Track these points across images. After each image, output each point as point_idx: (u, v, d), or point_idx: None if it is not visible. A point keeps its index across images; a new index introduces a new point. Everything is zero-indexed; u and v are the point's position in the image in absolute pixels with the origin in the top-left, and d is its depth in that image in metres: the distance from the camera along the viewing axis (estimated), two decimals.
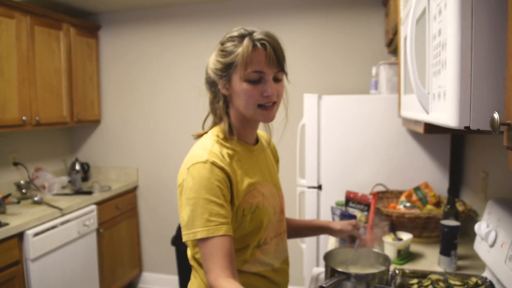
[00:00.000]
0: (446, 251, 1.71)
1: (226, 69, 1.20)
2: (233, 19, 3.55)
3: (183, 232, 1.16)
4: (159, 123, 3.87)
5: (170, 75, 3.78)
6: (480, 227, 1.52)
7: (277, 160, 1.54)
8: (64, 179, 3.47)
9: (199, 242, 1.13)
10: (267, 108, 1.19)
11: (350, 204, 2.14)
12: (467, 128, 0.75)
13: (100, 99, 3.97)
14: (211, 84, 1.27)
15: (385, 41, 3.14)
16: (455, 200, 1.77)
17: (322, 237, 2.63)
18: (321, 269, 1.74)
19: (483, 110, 0.73)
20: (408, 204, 2.20)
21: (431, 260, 1.85)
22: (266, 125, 1.37)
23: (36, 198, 2.95)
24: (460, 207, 1.99)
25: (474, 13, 0.72)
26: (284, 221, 1.43)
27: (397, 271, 1.58)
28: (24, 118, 2.95)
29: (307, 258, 2.68)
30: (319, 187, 2.63)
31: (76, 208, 3.02)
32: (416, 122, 1.58)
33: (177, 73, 3.75)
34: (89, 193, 3.30)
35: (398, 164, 2.50)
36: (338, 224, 1.60)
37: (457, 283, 1.48)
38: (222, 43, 1.22)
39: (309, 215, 2.63)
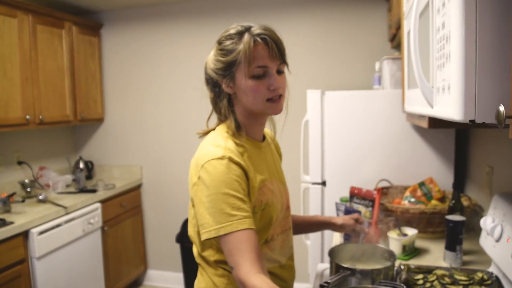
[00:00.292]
0: (451, 246, 1.70)
1: (229, 68, 1.19)
2: (236, 15, 3.54)
3: (202, 231, 1.13)
4: (163, 120, 3.87)
5: (173, 73, 3.78)
6: (486, 222, 1.51)
7: (280, 156, 1.54)
8: (68, 177, 3.47)
9: (222, 238, 1.10)
10: (275, 101, 1.19)
11: (355, 200, 2.14)
12: (472, 121, 0.74)
13: (103, 97, 3.98)
14: (213, 84, 1.26)
15: (388, 36, 3.13)
16: (460, 195, 1.76)
17: (327, 233, 2.63)
18: (326, 265, 1.74)
19: (488, 103, 0.72)
20: (412, 200, 2.19)
21: (437, 256, 1.84)
22: (272, 122, 1.37)
23: (40, 197, 2.96)
24: (465, 202, 1.98)
25: (478, 5, 0.71)
26: (290, 218, 1.43)
27: (402, 267, 1.57)
28: (27, 117, 2.96)
29: (312, 254, 2.68)
30: (323, 183, 2.62)
31: (80, 207, 3.03)
32: (420, 117, 1.57)
33: (180, 70, 3.75)
34: (93, 191, 3.31)
35: (402, 160, 2.49)
36: (340, 219, 1.60)
37: (463, 278, 1.47)
38: (220, 42, 1.21)
39: (313, 212, 2.62)
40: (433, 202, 2.16)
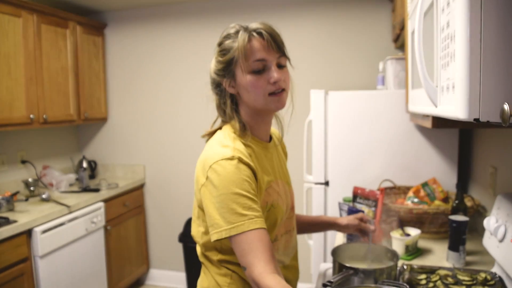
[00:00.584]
0: (454, 246, 1.70)
1: (228, 67, 1.20)
2: (240, 15, 3.54)
3: (213, 231, 1.10)
4: (166, 120, 3.88)
5: (177, 73, 3.79)
6: (489, 222, 1.51)
7: (285, 154, 1.53)
8: (72, 176, 3.48)
9: (234, 238, 1.08)
10: (277, 94, 1.18)
11: (358, 200, 2.14)
12: (477, 120, 0.74)
13: (107, 97, 3.99)
14: (216, 86, 1.26)
15: (392, 37, 3.13)
16: (463, 195, 1.76)
17: (330, 233, 2.63)
18: (329, 264, 1.74)
19: (493, 102, 0.72)
20: (416, 200, 2.18)
21: (440, 256, 1.84)
22: (279, 122, 1.36)
23: (44, 196, 2.97)
24: (468, 203, 1.98)
25: (483, 4, 0.71)
26: (294, 218, 1.42)
27: (405, 267, 1.57)
28: (31, 116, 2.97)
29: (314, 254, 2.68)
30: (326, 183, 2.62)
31: (83, 206, 3.04)
32: (424, 117, 1.57)
33: (184, 70, 3.75)
34: (97, 190, 3.31)
35: (405, 160, 2.49)
36: (345, 219, 1.59)
37: (466, 278, 1.47)
38: (220, 43, 1.22)
39: (316, 212, 2.62)
40: (436, 202, 2.16)
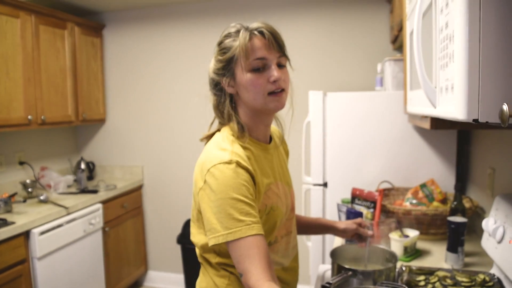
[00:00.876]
0: (453, 247, 1.70)
1: (228, 65, 1.19)
2: (238, 16, 3.54)
3: (210, 236, 1.10)
4: (164, 121, 3.87)
5: (175, 74, 3.79)
6: (488, 223, 1.51)
7: (287, 153, 1.52)
8: (70, 178, 3.48)
9: (231, 244, 1.07)
10: (276, 94, 1.17)
11: (356, 201, 2.14)
12: (476, 120, 0.74)
13: (105, 98, 3.98)
14: (215, 86, 1.26)
15: (390, 38, 3.13)
16: (462, 197, 1.76)
17: (328, 234, 2.63)
18: (328, 266, 1.73)
19: (492, 103, 0.72)
20: (414, 201, 2.18)
21: (438, 257, 1.84)
22: (279, 123, 1.35)
23: (42, 197, 2.96)
24: (467, 204, 1.98)
25: (482, 5, 0.71)
26: (294, 219, 1.41)
27: (404, 268, 1.57)
28: (29, 117, 2.96)
29: (313, 256, 2.68)
30: (325, 185, 2.62)
31: (81, 207, 3.03)
32: (423, 118, 1.57)
33: (182, 71, 3.75)
34: (95, 191, 3.31)
35: (404, 161, 2.49)
36: (343, 223, 1.57)
37: (465, 279, 1.47)
38: (220, 43, 1.22)
39: (314, 213, 2.62)
40: (435, 203, 2.16)
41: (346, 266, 1.38)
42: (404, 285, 1.28)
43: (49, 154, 3.72)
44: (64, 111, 3.39)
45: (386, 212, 2.08)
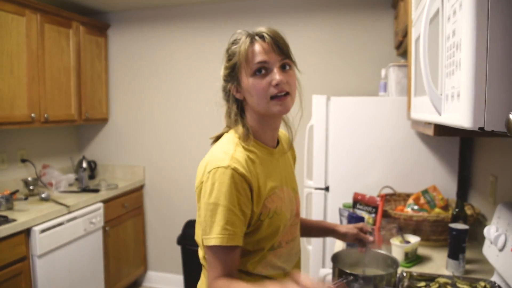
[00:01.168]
0: (454, 254, 1.70)
1: (233, 71, 1.20)
2: (242, 19, 3.55)
3: (203, 236, 1.15)
4: (167, 122, 3.88)
5: (178, 75, 3.79)
6: (490, 231, 1.51)
7: (294, 158, 1.52)
8: (71, 176, 3.48)
9: (211, 247, 1.13)
10: (280, 98, 1.16)
11: (358, 206, 2.14)
12: (481, 129, 0.74)
13: (108, 97, 3.99)
14: (225, 93, 1.27)
15: (394, 43, 3.13)
16: (463, 204, 1.76)
17: (329, 238, 2.63)
18: (328, 270, 1.73)
19: (498, 111, 0.72)
20: (416, 207, 2.18)
21: (439, 264, 1.84)
22: (288, 127, 1.35)
23: (43, 195, 2.96)
24: (468, 211, 1.98)
25: (490, 14, 0.71)
26: (299, 225, 1.40)
27: (404, 274, 1.57)
28: (32, 115, 2.97)
29: (313, 259, 2.68)
30: (327, 189, 2.62)
31: (82, 206, 3.03)
32: (426, 124, 1.57)
33: (185, 72, 3.76)
34: (96, 191, 3.31)
35: (406, 167, 2.49)
36: (344, 227, 1.57)
37: (465, 286, 1.47)
38: (227, 50, 1.23)
39: (316, 217, 2.62)
40: (436, 210, 2.16)
41: (347, 271, 1.38)
42: None
43: (51, 152, 3.73)
44: (67, 109, 3.39)
45: (387, 217, 2.09)
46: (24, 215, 2.60)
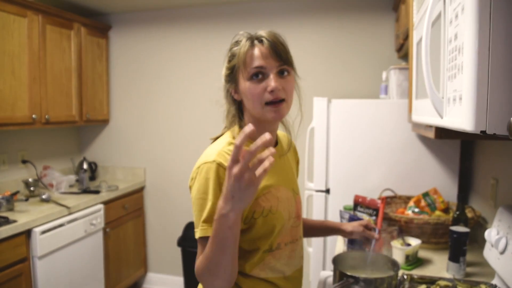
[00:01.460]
0: (455, 257, 1.70)
1: (232, 73, 1.21)
2: (243, 22, 3.56)
3: (195, 228, 1.17)
4: (167, 124, 3.88)
5: (179, 77, 3.79)
6: (490, 234, 1.51)
7: (297, 161, 1.52)
8: (72, 177, 3.48)
9: (199, 239, 1.13)
10: (275, 104, 1.16)
11: (359, 208, 2.14)
12: (483, 132, 0.75)
13: (109, 99, 3.99)
14: (226, 93, 1.27)
15: (395, 46, 3.14)
16: (464, 206, 1.76)
17: (329, 240, 2.63)
18: (329, 272, 1.73)
19: (500, 115, 0.72)
20: (416, 210, 2.19)
21: (440, 266, 1.84)
22: (287, 129, 1.35)
23: (44, 196, 2.96)
24: (469, 214, 1.98)
25: (492, 17, 0.71)
26: (300, 227, 1.39)
27: (405, 276, 1.57)
28: (34, 116, 2.98)
29: (313, 262, 2.68)
30: (327, 191, 2.62)
31: (83, 207, 3.03)
32: (427, 127, 1.57)
33: (186, 74, 3.76)
34: (97, 192, 3.31)
35: (407, 169, 2.49)
36: (349, 226, 1.59)
37: None
38: (229, 50, 1.23)
39: (316, 218, 2.62)
40: (437, 212, 2.16)
41: (348, 273, 1.38)
42: None
43: (52, 153, 3.73)
44: (68, 111, 3.40)
45: (388, 220, 2.09)
46: (24, 216, 2.60)
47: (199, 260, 1.09)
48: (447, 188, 2.44)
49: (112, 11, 3.84)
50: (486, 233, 1.54)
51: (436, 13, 1.06)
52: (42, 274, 2.63)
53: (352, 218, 1.94)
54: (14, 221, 2.47)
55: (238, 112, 1.27)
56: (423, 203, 2.22)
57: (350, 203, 2.38)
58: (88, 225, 3.06)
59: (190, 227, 3.61)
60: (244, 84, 1.17)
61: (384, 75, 2.85)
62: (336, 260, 1.51)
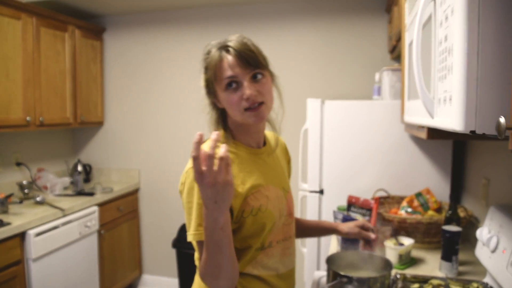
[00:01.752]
0: (447, 256, 1.72)
1: (209, 84, 1.23)
2: (237, 23, 3.57)
3: (187, 232, 1.18)
4: (162, 125, 3.88)
5: (174, 79, 3.80)
6: (482, 233, 1.53)
7: (288, 160, 1.53)
8: (66, 180, 3.48)
9: (197, 242, 1.16)
10: (253, 109, 1.18)
11: (352, 208, 2.15)
12: (473, 132, 0.76)
13: (104, 101, 3.99)
14: (208, 101, 1.29)
15: (388, 48, 3.16)
16: (456, 206, 1.78)
17: (323, 241, 2.64)
18: (323, 272, 1.74)
19: (489, 115, 0.74)
20: (409, 210, 2.20)
21: (432, 266, 1.85)
22: (269, 123, 1.36)
23: (38, 198, 2.96)
24: (461, 213, 2.00)
25: (481, 19, 0.73)
26: (293, 225, 1.41)
27: (398, 276, 1.59)
28: (28, 118, 2.97)
29: (308, 262, 2.69)
30: (321, 192, 2.63)
31: (78, 209, 3.03)
32: (419, 127, 1.59)
33: (181, 76, 3.77)
34: (91, 194, 3.31)
35: (400, 170, 2.51)
36: (345, 226, 1.61)
37: None
38: (203, 60, 1.25)
39: (312, 219, 2.63)
40: (430, 212, 2.18)
41: (342, 273, 1.39)
42: None
43: (46, 155, 3.72)
44: (63, 113, 3.39)
45: (381, 220, 2.10)
46: (19, 218, 2.59)
47: (201, 265, 1.12)
48: (439, 188, 2.47)
49: (107, 13, 3.84)
50: (478, 232, 1.56)
51: (427, 15, 1.08)
52: (37, 276, 2.62)
53: (346, 219, 1.95)
54: (8, 224, 2.46)
55: (222, 118, 1.29)
56: (416, 203, 2.24)
57: (344, 203, 2.39)
58: (83, 227, 3.05)
59: (184, 229, 3.61)
60: (221, 95, 1.20)
61: (377, 76, 2.87)
62: (330, 260, 1.52)
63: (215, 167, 0.94)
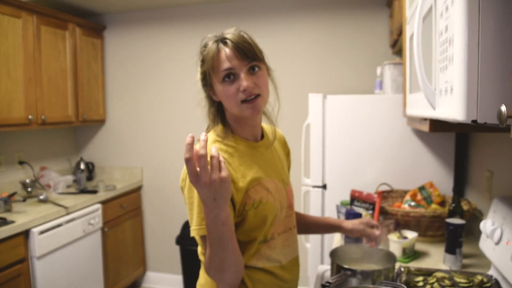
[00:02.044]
0: (451, 249, 1.71)
1: (206, 77, 1.24)
2: (238, 19, 3.56)
3: (190, 228, 1.19)
4: (164, 123, 3.89)
5: (175, 76, 3.80)
6: (486, 225, 1.53)
7: (287, 153, 1.54)
8: (69, 178, 3.49)
9: (202, 237, 1.17)
10: (250, 101, 1.18)
11: (355, 203, 2.15)
12: (474, 121, 0.76)
13: (105, 99, 3.99)
14: (205, 95, 1.30)
15: (389, 42, 3.15)
16: (460, 199, 1.77)
17: (327, 235, 2.64)
18: (327, 266, 1.75)
19: (490, 104, 0.73)
20: (413, 203, 2.20)
21: (436, 259, 1.85)
22: (268, 117, 1.37)
23: (41, 197, 2.97)
24: (465, 206, 2.00)
25: (481, 9, 0.73)
26: (293, 217, 1.42)
27: (402, 269, 1.58)
28: (30, 117, 2.97)
29: (311, 257, 2.69)
30: (324, 187, 2.63)
31: (81, 207, 3.04)
32: (422, 121, 1.59)
33: (182, 73, 3.77)
34: (94, 192, 3.31)
35: (402, 164, 2.51)
36: (350, 223, 1.60)
37: (463, 280, 1.48)
38: (200, 53, 1.26)
39: (314, 214, 2.63)
40: (433, 206, 2.17)
41: (346, 266, 1.39)
42: (403, 285, 1.30)
43: (49, 154, 3.73)
44: (64, 111, 3.40)
45: (385, 214, 2.10)
46: (22, 216, 2.60)
47: (205, 260, 1.14)
48: (442, 181, 2.46)
49: (107, 11, 3.84)
50: (482, 224, 1.55)
51: (427, 6, 1.08)
52: (41, 274, 2.63)
53: (349, 213, 1.96)
54: (12, 222, 2.47)
55: (219, 112, 1.30)
56: (419, 196, 2.24)
57: (347, 198, 2.40)
58: (86, 225, 3.06)
59: (188, 226, 3.62)
60: (218, 87, 1.20)
61: (378, 70, 2.86)
62: (334, 254, 1.52)
63: (209, 166, 0.97)
